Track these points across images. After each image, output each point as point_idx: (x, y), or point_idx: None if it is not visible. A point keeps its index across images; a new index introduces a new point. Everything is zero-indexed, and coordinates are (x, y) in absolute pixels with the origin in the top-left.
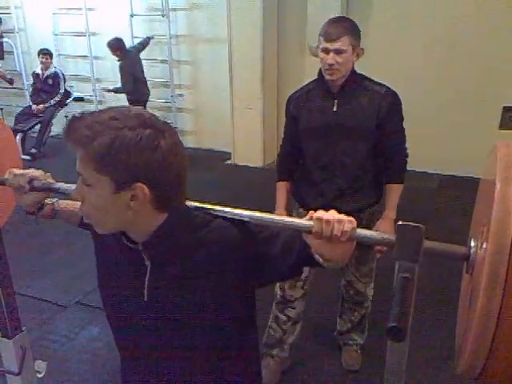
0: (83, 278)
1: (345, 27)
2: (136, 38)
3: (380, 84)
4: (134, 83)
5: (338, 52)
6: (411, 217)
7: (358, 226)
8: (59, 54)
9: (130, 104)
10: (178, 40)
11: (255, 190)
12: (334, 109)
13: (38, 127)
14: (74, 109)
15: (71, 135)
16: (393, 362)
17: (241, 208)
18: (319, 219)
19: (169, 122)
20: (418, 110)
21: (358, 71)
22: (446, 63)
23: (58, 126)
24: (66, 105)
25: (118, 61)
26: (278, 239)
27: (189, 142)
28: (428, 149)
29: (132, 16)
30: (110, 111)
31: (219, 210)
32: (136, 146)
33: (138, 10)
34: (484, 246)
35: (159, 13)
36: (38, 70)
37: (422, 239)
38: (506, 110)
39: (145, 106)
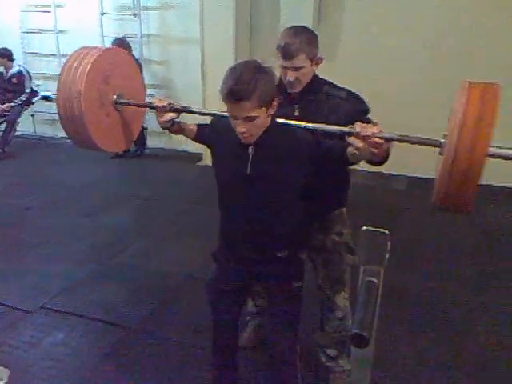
0: (49, 282)
1: (300, 42)
2: (106, 37)
3: (341, 88)
4: None
5: (297, 69)
6: (382, 216)
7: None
8: (26, 52)
9: None
10: (149, 39)
11: None
12: (296, 113)
13: (3, 126)
14: (41, 108)
15: (237, 95)
16: (357, 370)
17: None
18: (359, 125)
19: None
20: (385, 115)
21: (328, 76)
22: (414, 70)
23: (24, 126)
24: (33, 103)
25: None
26: (329, 141)
27: (160, 142)
28: (396, 151)
29: (102, 14)
30: (242, 69)
31: (290, 123)
32: (271, 81)
33: (109, 9)
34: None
35: (130, 12)
36: (2, 69)
37: (386, 244)
38: None
39: None
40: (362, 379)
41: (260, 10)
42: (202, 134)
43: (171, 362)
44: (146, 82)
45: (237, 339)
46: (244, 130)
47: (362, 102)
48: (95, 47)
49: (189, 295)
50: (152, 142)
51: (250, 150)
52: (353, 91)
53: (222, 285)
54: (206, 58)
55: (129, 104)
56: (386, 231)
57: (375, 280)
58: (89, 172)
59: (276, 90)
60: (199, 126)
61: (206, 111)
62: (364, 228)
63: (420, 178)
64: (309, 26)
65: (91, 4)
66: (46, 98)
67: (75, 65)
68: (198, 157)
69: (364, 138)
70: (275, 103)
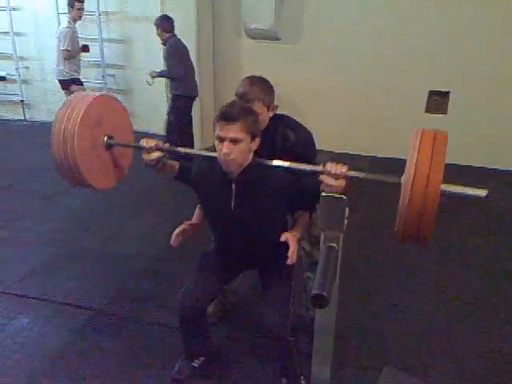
0: (9, 267)
1: (256, 92)
2: (62, 14)
3: (295, 129)
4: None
5: None
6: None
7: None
8: None
9: (178, 98)
10: (107, 17)
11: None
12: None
13: None
14: None
15: (233, 116)
16: (321, 329)
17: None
18: (329, 165)
19: None
20: (351, 98)
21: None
22: (373, 52)
23: None
24: None
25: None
26: (306, 180)
27: None
28: (361, 133)
29: None
30: (236, 103)
31: (267, 162)
32: (257, 119)
33: None
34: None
35: None
36: None
37: (344, 210)
38: (432, 94)
39: (191, 105)
40: (325, 346)
41: None
42: (184, 173)
43: (140, 342)
44: (106, 61)
45: (208, 303)
46: (227, 151)
47: (308, 146)
48: (87, 94)
49: (156, 276)
50: None
51: (233, 186)
52: (304, 131)
53: (216, 257)
54: None
55: (118, 145)
56: (343, 196)
57: (335, 245)
58: (43, 156)
59: (259, 130)
60: (180, 165)
61: (192, 152)
62: (322, 194)
63: (383, 158)
64: (272, 5)
65: None
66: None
67: (69, 111)
68: (162, 139)
69: (334, 177)
70: (257, 141)
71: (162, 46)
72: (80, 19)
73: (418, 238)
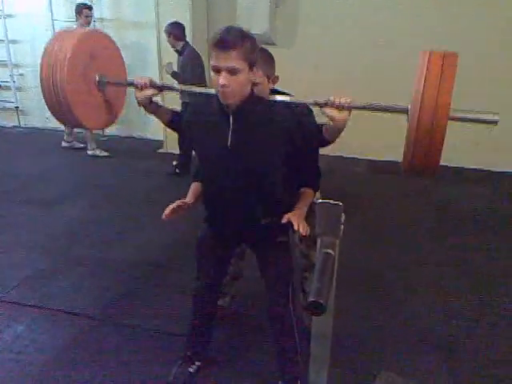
0: (5, 274)
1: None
2: (56, 21)
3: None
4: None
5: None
6: (343, 196)
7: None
8: None
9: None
10: (103, 24)
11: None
12: None
13: None
14: None
15: (229, 42)
16: (318, 337)
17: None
18: (332, 96)
19: None
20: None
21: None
22: (368, 60)
23: None
24: None
25: (178, 51)
26: (306, 119)
27: (118, 130)
28: (357, 138)
29: None
30: (234, 27)
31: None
32: (255, 44)
33: None
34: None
35: None
36: None
37: (341, 216)
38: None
39: None
40: (322, 352)
41: None
42: (178, 117)
43: (137, 350)
44: None
45: (216, 297)
46: (225, 81)
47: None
48: (79, 28)
49: (155, 284)
50: (108, 129)
51: (231, 119)
52: (303, 105)
53: (210, 241)
54: (162, 44)
55: (110, 83)
56: (340, 203)
57: (331, 251)
58: (41, 162)
59: (257, 59)
60: (174, 110)
61: (188, 88)
62: (319, 201)
63: (378, 161)
64: (266, 10)
65: None
66: None
67: (59, 42)
68: (158, 144)
69: (338, 108)
70: (255, 71)
71: (169, 53)
72: (88, 26)
73: (426, 167)
